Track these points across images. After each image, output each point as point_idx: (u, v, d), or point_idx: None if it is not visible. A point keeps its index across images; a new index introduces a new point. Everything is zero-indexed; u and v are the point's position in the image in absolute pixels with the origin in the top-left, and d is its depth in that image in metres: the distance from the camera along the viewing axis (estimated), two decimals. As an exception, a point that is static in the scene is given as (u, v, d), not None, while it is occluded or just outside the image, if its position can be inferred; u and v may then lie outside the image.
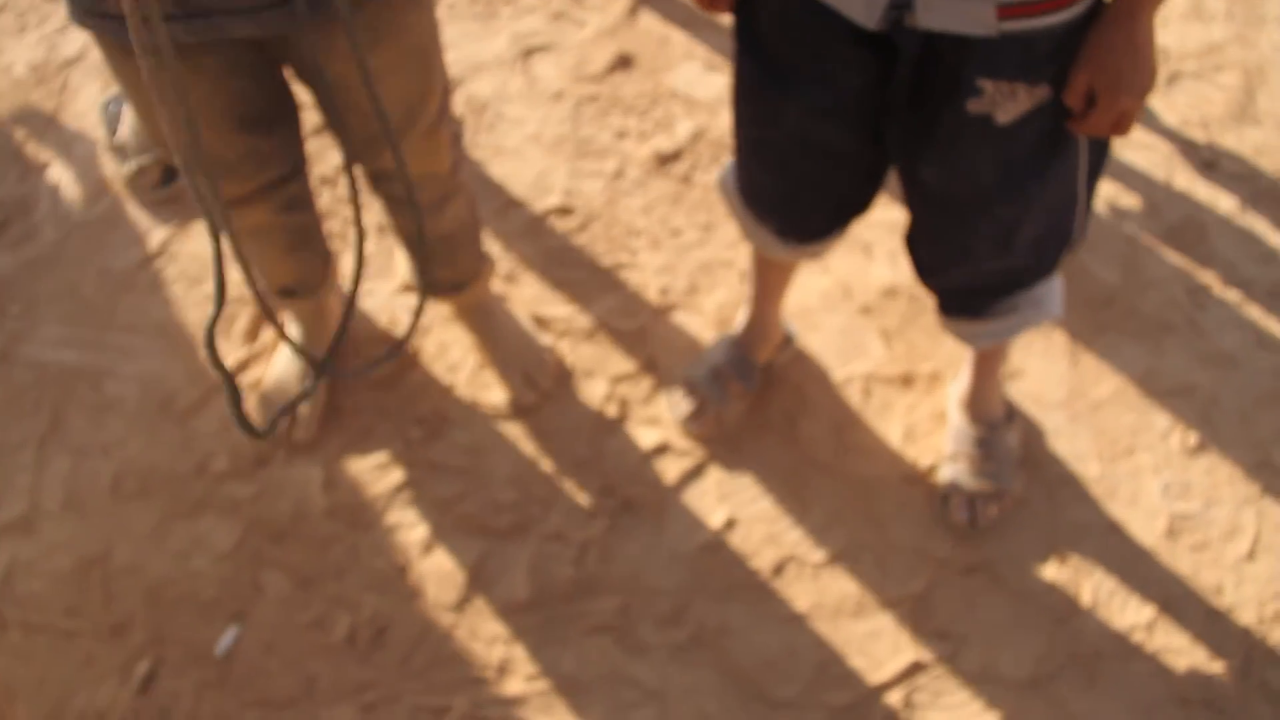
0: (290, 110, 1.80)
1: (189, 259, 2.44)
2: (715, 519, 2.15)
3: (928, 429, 2.23)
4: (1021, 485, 2.14)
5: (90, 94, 2.69)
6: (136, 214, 2.51)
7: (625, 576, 2.09)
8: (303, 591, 2.08)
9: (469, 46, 2.78)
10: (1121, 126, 1.47)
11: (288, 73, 1.73)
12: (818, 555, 2.11)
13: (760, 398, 2.26)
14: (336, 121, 1.64)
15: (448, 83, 1.86)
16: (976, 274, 1.77)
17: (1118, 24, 1.40)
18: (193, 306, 2.37)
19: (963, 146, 1.54)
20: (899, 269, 2.43)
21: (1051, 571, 2.06)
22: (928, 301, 2.37)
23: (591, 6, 2.86)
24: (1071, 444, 2.20)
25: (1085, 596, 2.04)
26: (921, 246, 1.80)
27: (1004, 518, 2.11)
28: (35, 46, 2.80)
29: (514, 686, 1.99)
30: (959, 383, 2.21)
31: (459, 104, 2.64)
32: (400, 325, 2.34)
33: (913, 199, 1.72)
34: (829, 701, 1.97)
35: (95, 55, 2.75)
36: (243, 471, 2.20)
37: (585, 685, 1.98)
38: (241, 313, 2.37)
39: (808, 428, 2.25)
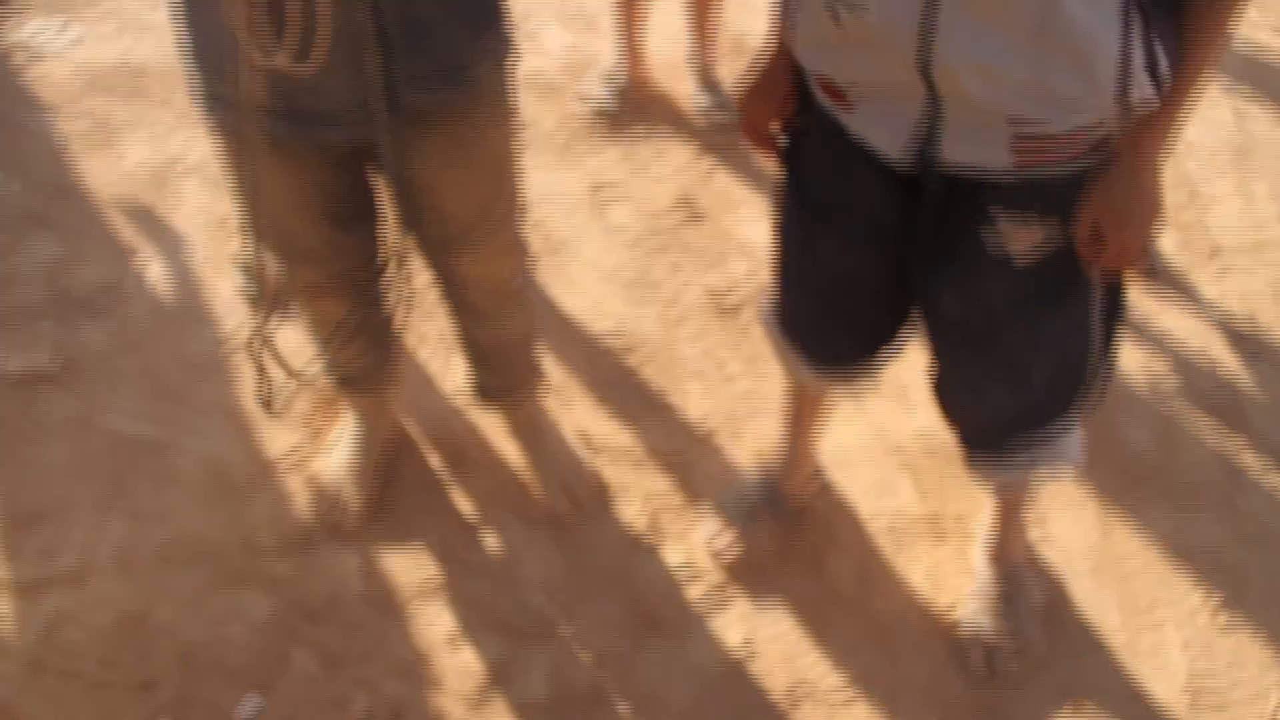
0: (371, 209, 1.86)
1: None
2: (735, 642, 2.09)
3: (951, 571, 2.18)
4: (1043, 640, 2.07)
5: (192, 198, 2.77)
6: (218, 305, 2.56)
7: (642, 690, 2.02)
8: (328, 669, 2.04)
9: (543, 183, 2.84)
10: (1125, 259, 1.48)
11: (372, 171, 1.79)
12: (831, 684, 2.04)
13: (790, 530, 2.22)
14: (411, 220, 1.72)
15: (520, 196, 1.90)
16: (991, 408, 1.77)
17: (1121, 163, 1.44)
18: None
19: (977, 273, 1.58)
20: (935, 416, 2.40)
21: (1064, 726, 2.02)
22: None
23: (668, 159, 2.93)
24: (1097, 605, 2.14)
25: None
26: (941, 380, 1.81)
27: (1022, 670, 2.05)
28: (147, 144, 2.90)
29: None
30: (984, 529, 2.16)
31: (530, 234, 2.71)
32: (451, 431, 2.36)
33: (933, 330, 1.74)
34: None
35: (199, 157, 2.84)
36: (286, 551, 2.18)
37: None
38: (302, 402, 2.40)
39: (834, 562, 2.20)
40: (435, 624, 2.09)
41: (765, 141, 1.72)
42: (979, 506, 2.25)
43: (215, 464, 2.30)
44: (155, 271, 2.63)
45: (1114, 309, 1.65)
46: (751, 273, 2.67)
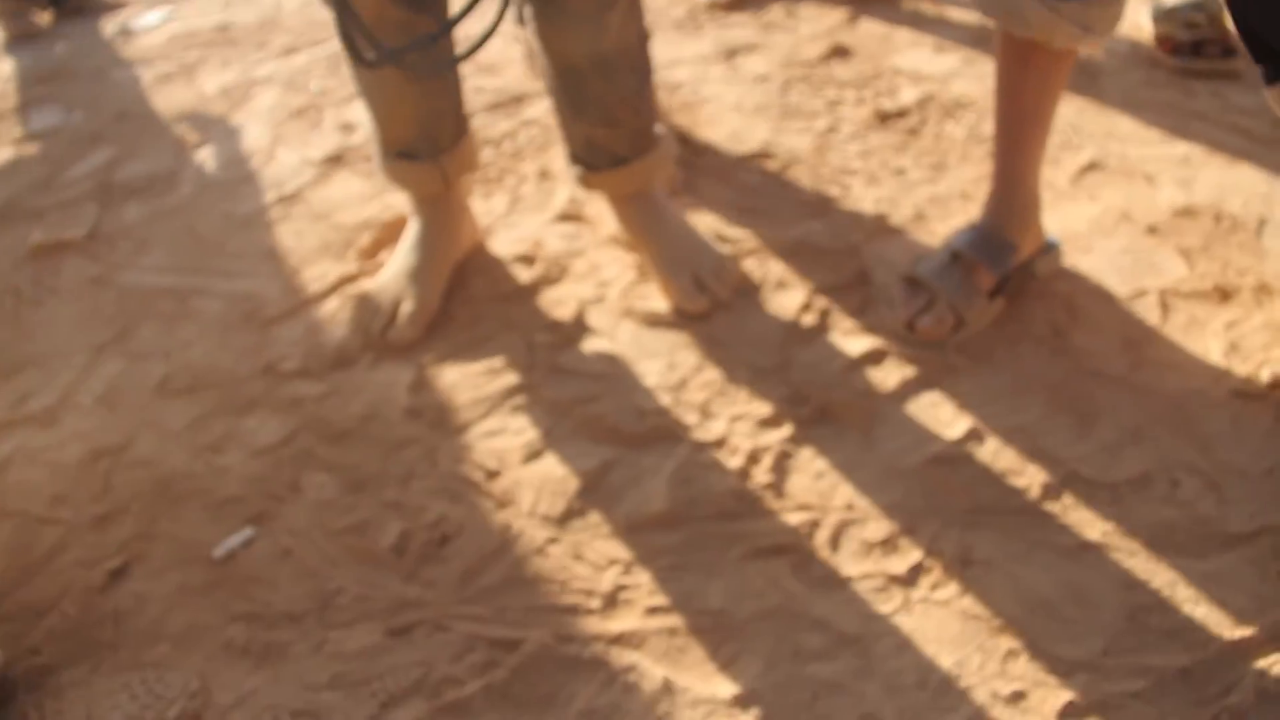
0: None
1: (322, 201, 1.86)
2: (953, 430, 1.29)
3: (1262, 343, 1.37)
4: None
5: (268, 99, 2.26)
6: (272, 170, 1.99)
7: (815, 492, 1.24)
8: (350, 495, 1.29)
9: (668, 51, 2.25)
10: None
11: None
12: (1113, 475, 1.22)
13: (1015, 309, 1.46)
14: None
15: None
16: None
17: None
18: (310, 235, 1.78)
19: None
20: (1194, 192, 1.65)
21: None
22: (1241, 219, 1.58)
23: (805, 17, 2.33)
24: None
25: None
26: None
27: None
28: (229, 73, 2.44)
29: (626, 621, 1.12)
30: None
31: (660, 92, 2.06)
32: (546, 248, 1.67)
33: None
34: (1152, 663, 1.02)
35: (284, 74, 2.37)
36: (315, 372, 1.49)
37: (740, 625, 1.11)
38: (362, 237, 1.75)
39: (1084, 340, 1.40)
40: (510, 437, 1.35)
41: None
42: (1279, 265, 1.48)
43: (245, 300, 1.65)
44: (209, 155, 2.08)
45: None
46: (928, 96, 1.97)
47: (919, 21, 2.25)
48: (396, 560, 1.22)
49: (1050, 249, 1.49)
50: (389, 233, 1.74)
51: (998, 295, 1.44)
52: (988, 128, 1.86)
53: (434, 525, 1.25)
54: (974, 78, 2.03)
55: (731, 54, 2.21)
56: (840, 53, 2.14)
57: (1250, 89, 1.93)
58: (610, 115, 1.50)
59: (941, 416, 1.32)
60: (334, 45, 2.43)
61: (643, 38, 1.47)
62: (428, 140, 1.53)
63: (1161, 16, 1.98)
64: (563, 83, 1.49)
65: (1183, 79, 1.95)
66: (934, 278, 1.43)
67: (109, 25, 2.84)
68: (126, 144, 2.16)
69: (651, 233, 1.58)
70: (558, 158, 1.90)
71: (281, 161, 2.01)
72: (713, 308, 1.51)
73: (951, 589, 1.12)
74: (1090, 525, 1.17)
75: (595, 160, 1.56)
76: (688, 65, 2.19)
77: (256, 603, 1.19)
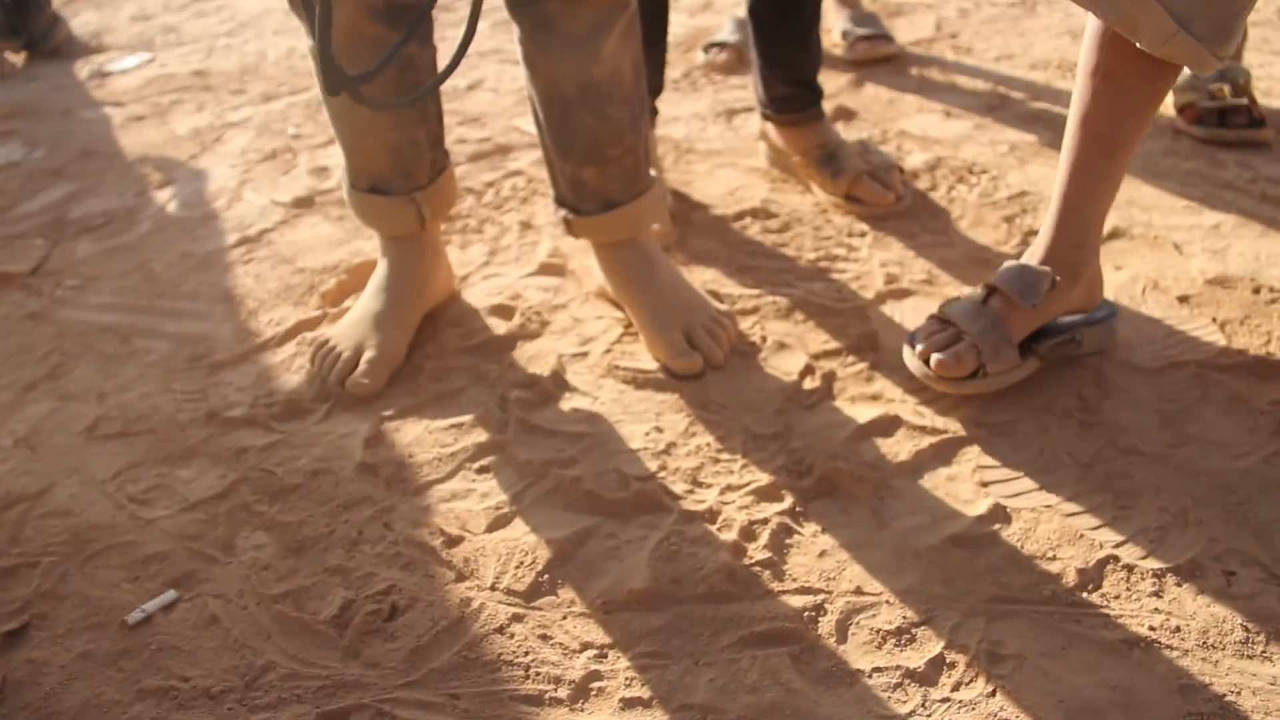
0: None
1: (288, 244, 1.72)
2: (974, 508, 1.13)
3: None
4: None
5: (240, 142, 2.13)
6: (237, 212, 1.85)
7: (819, 573, 1.08)
8: (290, 558, 1.13)
9: (665, 110, 2.13)
10: None
11: None
12: (1159, 562, 1.06)
13: (1037, 378, 1.31)
14: None
15: None
16: None
17: None
18: (271, 278, 1.64)
19: None
20: (1227, 262, 1.52)
21: None
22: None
23: None
24: None
25: None
26: None
27: None
28: (203, 116, 2.31)
29: (598, 715, 0.95)
30: None
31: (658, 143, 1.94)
32: (525, 300, 1.53)
33: None
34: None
35: (259, 118, 2.24)
36: (262, 421, 1.33)
37: (729, 724, 0.96)
38: (327, 281, 1.61)
39: (1117, 414, 1.26)
40: (471, 496, 1.20)
41: None
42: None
43: (193, 342, 1.50)
44: (173, 195, 1.95)
45: None
46: (938, 160, 1.85)
47: (926, 88, 2.16)
48: (336, 634, 1.05)
49: (1103, 320, 1.35)
50: (356, 278, 1.60)
51: (1031, 354, 1.30)
52: (1002, 193, 1.74)
53: (382, 596, 1.08)
54: (985, 143, 1.91)
55: (731, 114, 2.10)
56: (845, 115, 2.04)
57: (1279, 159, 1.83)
58: (600, 152, 1.37)
59: (960, 493, 1.17)
60: (314, 92, 2.32)
61: (638, 69, 1.35)
62: (401, 174, 1.40)
63: (1183, 86, 1.89)
64: (550, 114, 1.36)
65: (1207, 148, 1.84)
66: (962, 316, 1.29)
67: (84, 68, 2.72)
68: (87, 181, 2.02)
69: (640, 284, 1.43)
70: (542, 210, 1.77)
71: (248, 203, 1.87)
72: (705, 368, 1.36)
73: (978, 688, 0.96)
74: (1135, 619, 1.01)
75: (583, 203, 1.42)
76: (684, 123, 2.08)
77: (171, 677, 1.02)
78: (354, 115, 1.34)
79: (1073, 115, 1.27)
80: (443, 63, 1.49)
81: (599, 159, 1.37)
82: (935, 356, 1.28)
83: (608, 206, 1.41)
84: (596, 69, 1.30)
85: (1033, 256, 1.32)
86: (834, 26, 2.42)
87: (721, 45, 2.40)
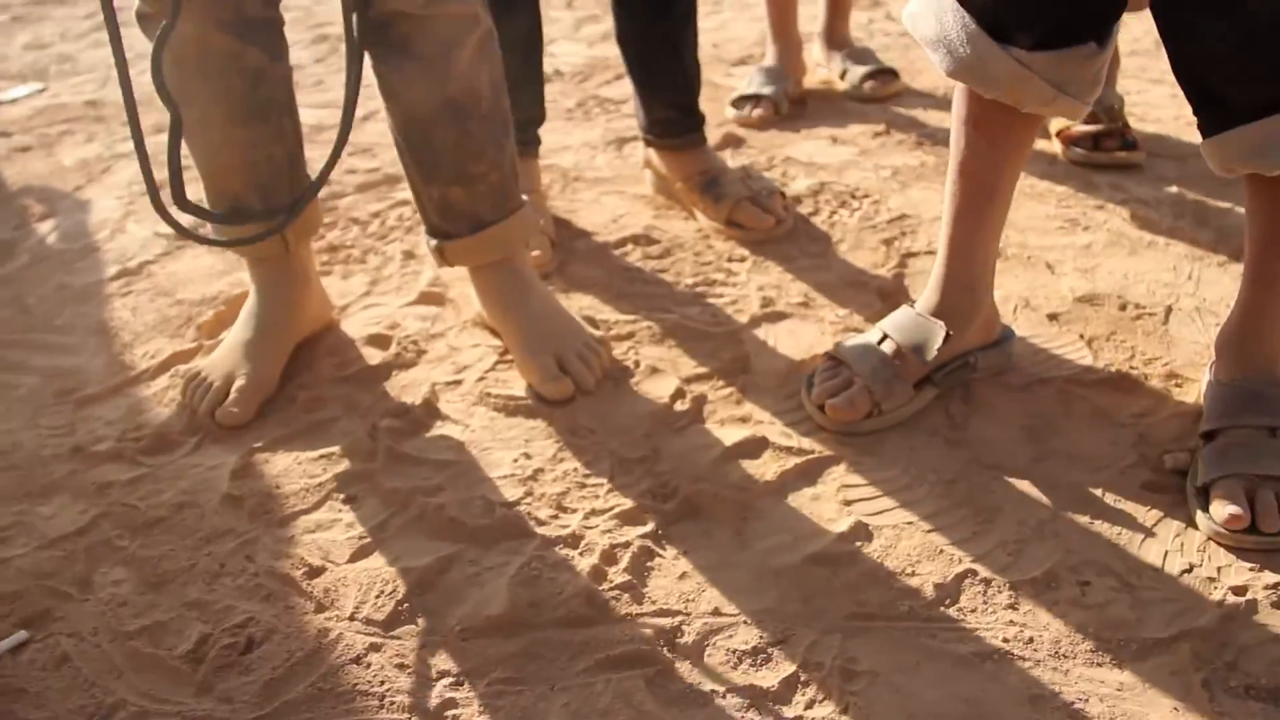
0: None
1: (168, 276, 1.70)
2: (836, 527, 1.15)
3: (1174, 434, 1.27)
4: None
5: (128, 173, 2.09)
6: (118, 245, 1.82)
7: (678, 595, 1.08)
8: (149, 593, 1.11)
9: (555, 139, 2.14)
10: None
11: None
12: (1015, 575, 1.08)
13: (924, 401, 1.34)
14: None
15: None
16: None
17: None
18: (148, 311, 1.61)
19: None
20: (1097, 280, 1.57)
21: None
22: (1147, 307, 1.50)
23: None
24: None
25: None
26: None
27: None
28: (92, 147, 2.27)
29: (454, 743, 0.99)
30: (1228, 318, 1.27)
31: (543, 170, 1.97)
32: (402, 330, 1.52)
33: None
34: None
35: (150, 149, 2.14)
36: (129, 455, 1.31)
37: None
38: (205, 313, 1.59)
39: (984, 431, 1.29)
40: (336, 526, 1.19)
41: None
42: (1197, 360, 1.39)
43: (63, 376, 1.47)
44: (53, 227, 1.91)
45: None
46: (821, 185, 1.88)
47: (815, 116, 2.19)
48: (191, 669, 1.03)
49: (1001, 343, 1.38)
50: (235, 309, 1.58)
51: (927, 385, 1.32)
52: (883, 216, 1.77)
53: (239, 629, 1.07)
54: (869, 168, 1.95)
55: (621, 143, 2.12)
56: (733, 142, 2.06)
57: (1149, 181, 1.88)
58: (464, 170, 1.37)
59: (824, 512, 1.18)
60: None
61: (496, 86, 1.36)
62: (260, 193, 1.38)
63: None
64: (411, 137, 1.36)
65: (1083, 171, 1.89)
66: (855, 358, 1.31)
67: (-27, 100, 2.69)
68: (-38, 215, 1.99)
69: (514, 308, 1.43)
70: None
71: (131, 235, 1.84)
72: (576, 393, 1.37)
73: (830, 706, 0.96)
74: (990, 631, 1.03)
75: (453, 226, 1.42)
76: (574, 152, 2.10)
77: (15, 720, 1.00)
78: (208, 131, 1.33)
79: (951, 162, 1.31)
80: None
81: (464, 177, 1.37)
82: (829, 402, 1.30)
83: (478, 227, 1.41)
84: (452, 86, 1.31)
85: (926, 303, 1.35)
86: (829, 65, 2.39)
87: (756, 99, 2.26)
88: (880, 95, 2.27)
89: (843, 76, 2.34)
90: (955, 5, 1.17)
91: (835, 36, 2.40)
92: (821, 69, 2.41)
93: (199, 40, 1.25)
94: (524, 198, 1.46)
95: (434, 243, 1.45)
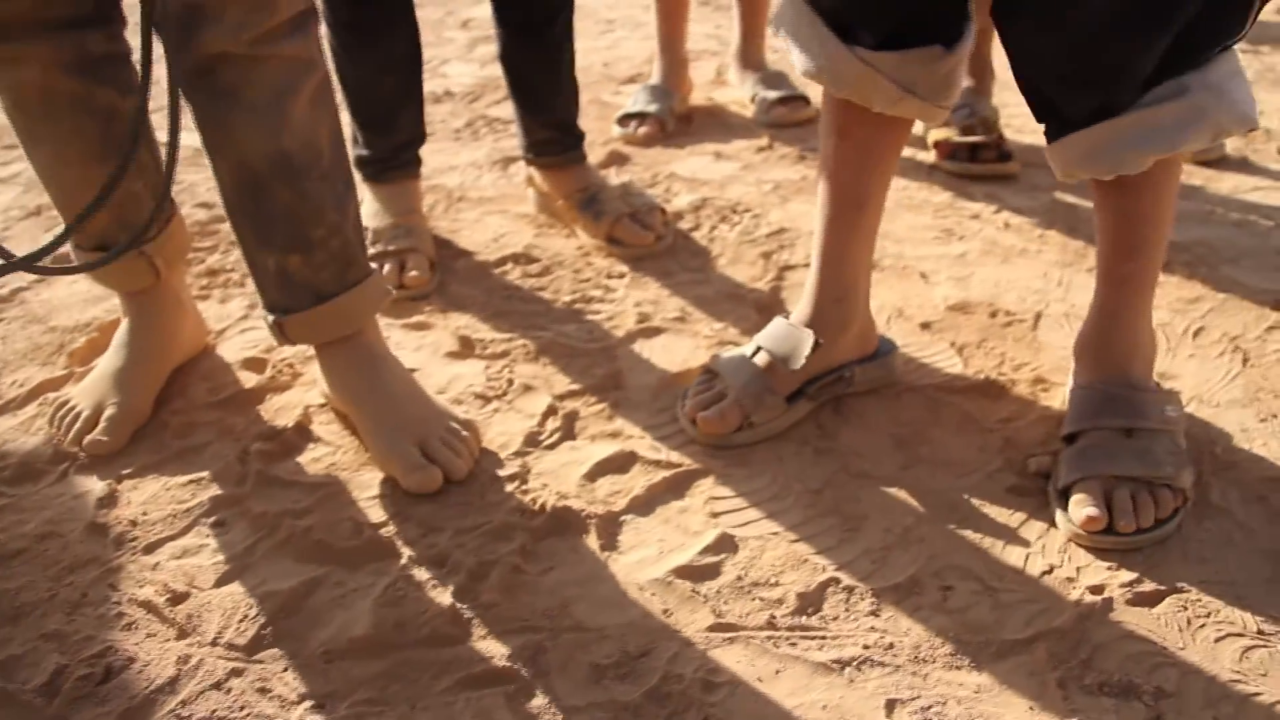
0: None
1: (42, 303, 1.66)
2: (702, 539, 1.16)
3: (1039, 437, 1.31)
4: (1192, 481, 1.18)
5: (3, 199, 2.03)
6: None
7: (542, 611, 1.09)
8: (4, 627, 1.08)
9: (442, 159, 2.15)
10: None
11: None
12: (879, 582, 1.10)
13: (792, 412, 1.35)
14: None
15: None
16: (1129, 38, 1.04)
17: None
18: (19, 338, 1.58)
19: None
20: (969, 289, 1.61)
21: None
22: (1017, 314, 1.55)
23: (587, 127, 2.12)
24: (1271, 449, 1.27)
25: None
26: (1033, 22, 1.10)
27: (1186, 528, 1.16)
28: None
29: (312, 767, 0.98)
30: (1080, 335, 1.31)
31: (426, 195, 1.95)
32: (278, 353, 1.51)
33: None
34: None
35: (29, 175, 2.07)
36: None
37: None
38: (78, 340, 1.56)
39: (852, 440, 1.31)
40: (202, 552, 1.17)
41: None
42: (1063, 364, 1.42)
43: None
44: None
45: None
46: (703, 200, 1.91)
47: (699, 132, 2.23)
48: (44, 703, 1.01)
49: (879, 356, 1.39)
50: (108, 335, 1.55)
51: (800, 398, 1.34)
52: (762, 230, 1.80)
53: (96, 659, 1.05)
54: (751, 183, 1.99)
55: (507, 162, 2.14)
56: (618, 160, 2.09)
57: (1024, 191, 1.94)
58: (303, 234, 1.26)
59: (690, 524, 1.19)
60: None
61: (335, 142, 1.26)
62: (126, 229, 1.35)
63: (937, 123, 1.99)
64: (243, 197, 1.25)
65: (959, 181, 1.94)
66: (728, 370, 1.33)
67: None
68: None
69: (365, 389, 1.33)
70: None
71: None
72: (442, 481, 1.26)
73: (690, 718, 0.98)
74: (850, 638, 1.05)
75: (292, 299, 1.30)
76: (460, 171, 2.10)
77: None
78: (65, 170, 1.30)
79: (821, 172, 1.33)
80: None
81: (303, 243, 1.27)
82: (700, 415, 1.31)
83: (319, 299, 1.30)
84: (287, 138, 1.21)
85: (799, 314, 1.37)
86: (740, 88, 2.41)
87: (641, 116, 2.29)
88: (789, 121, 2.29)
89: (753, 100, 2.36)
90: (805, 6, 1.20)
91: (749, 58, 2.43)
92: (731, 89, 2.43)
93: (43, 85, 1.21)
94: (372, 266, 1.37)
95: (271, 318, 1.33)
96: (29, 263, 1.04)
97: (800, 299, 1.39)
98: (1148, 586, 1.10)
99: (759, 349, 1.35)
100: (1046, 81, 1.13)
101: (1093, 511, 1.15)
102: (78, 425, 1.36)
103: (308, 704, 1.01)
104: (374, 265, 1.39)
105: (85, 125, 1.28)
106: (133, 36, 1.23)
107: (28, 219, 1.97)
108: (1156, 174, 1.15)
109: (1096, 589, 1.10)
